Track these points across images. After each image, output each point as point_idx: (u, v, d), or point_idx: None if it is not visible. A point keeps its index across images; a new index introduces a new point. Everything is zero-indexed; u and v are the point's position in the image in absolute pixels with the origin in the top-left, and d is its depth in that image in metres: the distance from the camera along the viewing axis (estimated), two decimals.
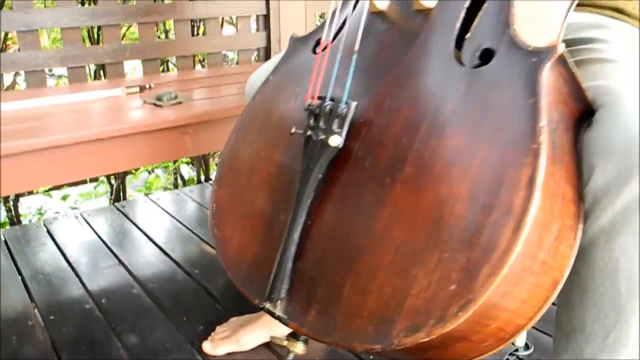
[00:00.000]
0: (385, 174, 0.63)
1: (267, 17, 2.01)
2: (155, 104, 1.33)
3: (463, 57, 0.65)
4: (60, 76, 3.07)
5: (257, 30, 2.05)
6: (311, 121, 0.69)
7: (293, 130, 0.72)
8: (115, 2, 1.74)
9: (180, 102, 1.35)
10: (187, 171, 4.07)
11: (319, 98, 0.71)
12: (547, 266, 0.57)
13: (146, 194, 3.62)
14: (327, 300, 0.62)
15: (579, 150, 0.63)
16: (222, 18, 2.16)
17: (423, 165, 0.60)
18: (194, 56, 2.16)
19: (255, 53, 2.08)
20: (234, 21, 2.11)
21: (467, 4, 0.68)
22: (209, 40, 1.95)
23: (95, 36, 2.94)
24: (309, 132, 0.69)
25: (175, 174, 3.58)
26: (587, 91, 0.66)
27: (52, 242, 1.81)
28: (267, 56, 2.04)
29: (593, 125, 0.63)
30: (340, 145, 0.66)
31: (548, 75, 0.57)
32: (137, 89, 1.49)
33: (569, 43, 0.81)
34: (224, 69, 1.97)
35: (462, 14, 0.68)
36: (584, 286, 0.65)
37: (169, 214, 2.05)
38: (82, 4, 2.66)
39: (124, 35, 3.23)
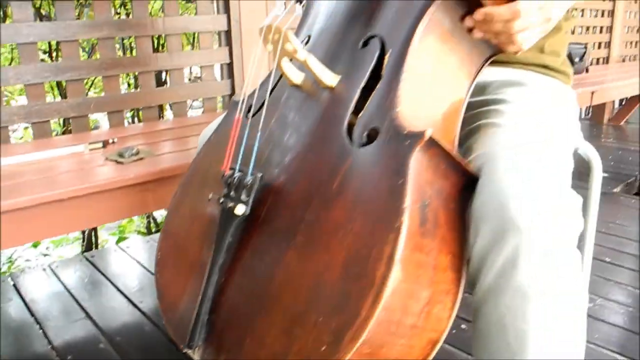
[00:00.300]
0: (281, 240, 0.69)
1: (230, 65, 2.06)
2: (116, 161, 1.35)
3: (354, 135, 0.70)
4: (26, 127, 3.09)
5: (222, 78, 2.09)
6: (225, 189, 0.76)
7: (210, 196, 0.79)
8: (78, 56, 1.77)
9: (141, 158, 1.37)
10: (161, 213, 4.07)
11: (232, 168, 0.77)
12: (418, 329, 0.63)
13: (120, 238, 3.61)
14: (232, 351, 0.69)
15: (468, 217, 0.68)
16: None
17: (310, 235, 0.66)
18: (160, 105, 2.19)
19: (221, 101, 2.12)
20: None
21: (362, 84, 0.73)
22: (173, 90, 1.99)
23: (64, 84, 2.96)
24: (222, 200, 0.75)
25: (147, 217, 3.58)
26: (476, 160, 0.71)
27: (18, 297, 1.80)
28: None
29: (475, 193, 0.68)
30: (246, 214, 0.72)
31: (418, 157, 0.62)
32: (101, 144, 1.51)
33: (480, 104, 0.86)
34: (188, 120, 2.00)
35: (357, 94, 0.73)
36: (484, 341, 0.70)
37: (139, 263, 2.05)
38: (50, 56, 2.67)
39: (92, 83, 3.25)
